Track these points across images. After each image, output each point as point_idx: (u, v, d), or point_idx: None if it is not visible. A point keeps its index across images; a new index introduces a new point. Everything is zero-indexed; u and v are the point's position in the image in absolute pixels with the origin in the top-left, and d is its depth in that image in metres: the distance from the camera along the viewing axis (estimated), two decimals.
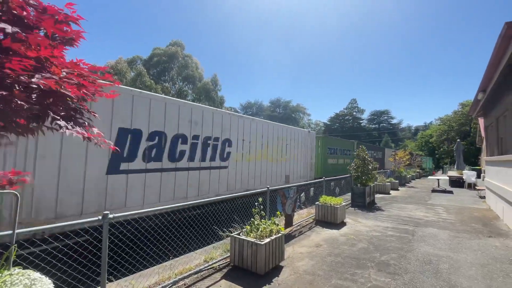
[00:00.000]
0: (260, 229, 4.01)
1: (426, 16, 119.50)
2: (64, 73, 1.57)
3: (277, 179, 10.54)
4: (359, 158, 9.65)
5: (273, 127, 10.52)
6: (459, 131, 41.75)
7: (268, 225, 4.13)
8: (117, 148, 2.34)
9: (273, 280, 3.63)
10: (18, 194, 2.02)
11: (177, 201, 6.20)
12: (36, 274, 1.91)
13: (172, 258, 4.16)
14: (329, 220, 6.62)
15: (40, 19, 1.51)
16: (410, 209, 8.80)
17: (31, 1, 1.59)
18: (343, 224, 6.63)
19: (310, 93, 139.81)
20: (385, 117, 79.13)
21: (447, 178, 18.12)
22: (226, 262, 4.11)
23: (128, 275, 3.54)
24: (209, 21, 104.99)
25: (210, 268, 3.91)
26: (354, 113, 78.08)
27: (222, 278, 3.67)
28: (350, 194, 9.54)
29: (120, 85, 5.18)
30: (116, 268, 3.54)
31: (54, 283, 2.02)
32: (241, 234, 4.05)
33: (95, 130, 1.82)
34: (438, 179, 15.88)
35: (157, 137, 6.07)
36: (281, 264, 4.12)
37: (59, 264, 2.91)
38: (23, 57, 1.40)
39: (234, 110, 61.56)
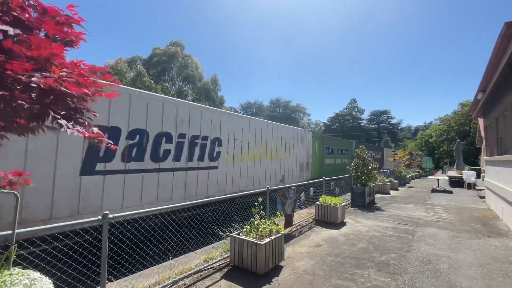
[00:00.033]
0: (260, 229, 4.02)
1: (426, 16, 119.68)
2: (64, 73, 1.57)
3: (272, 180, 10.24)
4: (358, 158, 9.65)
5: (267, 126, 10.23)
6: (458, 131, 41.78)
7: (268, 225, 4.14)
8: (117, 147, 2.34)
9: (273, 280, 3.63)
10: (18, 194, 2.02)
11: (160, 204, 5.82)
12: (36, 274, 1.91)
13: (172, 258, 4.17)
14: (329, 220, 6.62)
15: (41, 21, 1.52)
16: (410, 209, 8.80)
17: (31, 1, 1.59)
18: (343, 224, 6.63)
19: (310, 93, 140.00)
20: (385, 117, 79.20)
21: (447, 178, 18.14)
22: (226, 262, 4.11)
23: (128, 275, 3.54)
24: (209, 21, 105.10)
25: (210, 268, 3.92)
26: (354, 113, 78.13)
27: (222, 278, 3.67)
28: (350, 194, 9.54)
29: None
30: (116, 268, 3.54)
31: (54, 283, 2.02)
32: (241, 234, 4.06)
33: (95, 129, 1.82)
34: (437, 179, 15.89)
35: (138, 136, 5.72)
36: (281, 264, 4.13)
37: (59, 264, 2.91)
38: (24, 58, 1.40)
39: (234, 110, 61.60)
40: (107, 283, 2.81)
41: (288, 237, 5.40)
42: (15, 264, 2.02)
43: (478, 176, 16.80)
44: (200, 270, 3.80)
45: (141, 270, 3.77)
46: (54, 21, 1.54)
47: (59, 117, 1.58)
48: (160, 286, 3.28)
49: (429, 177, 24.40)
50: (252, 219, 4.18)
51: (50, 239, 2.84)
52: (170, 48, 39.23)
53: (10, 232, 2.08)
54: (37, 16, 1.55)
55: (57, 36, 1.62)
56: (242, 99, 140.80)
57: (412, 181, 20.01)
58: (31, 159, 4.22)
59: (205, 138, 7.36)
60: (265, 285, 3.48)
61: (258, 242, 3.73)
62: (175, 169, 6.45)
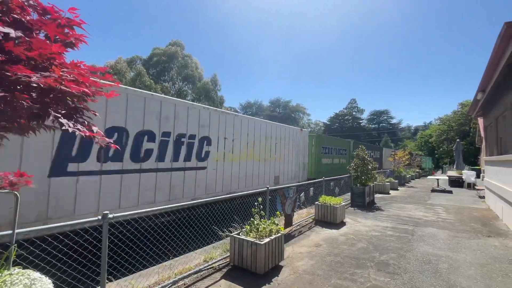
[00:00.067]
0: (259, 229, 4.02)
1: (426, 16, 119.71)
2: (64, 72, 1.57)
3: (266, 181, 9.82)
4: (358, 158, 9.66)
5: (261, 124, 9.83)
6: (458, 131, 41.82)
7: (268, 225, 4.14)
8: (117, 146, 2.34)
9: (272, 279, 3.64)
10: (18, 194, 2.02)
11: (141, 207, 5.49)
12: (36, 274, 1.91)
13: (171, 258, 4.17)
14: (328, 220, 6.63)
15: (42, 23, 1.52)
16: (410, 209, 8.81)
17: (30, 2, 1.59)
18: (342, 224, 6.64)
19: (310, 93, 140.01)
20: (385, 117, 79.25)
21: (447, 178, 18.16)
22: (225, 262, 4.12)
23: (128, 275, 3.54)
24: (209, 21, 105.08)
25: (210, 268, 3.92)
26: (354, 113, 78.18)
27: (221, 278, 3.67)
28: (349, 194, 9.55)
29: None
30: (116, 268, 3.54)
31: (54, 283, 2.02)
32: (240, 234, 4.06)
33: (95, 129, 1.83)
34: (437, 179, 15.91)
35: (116, 134, 5.34)
36: (281, 264, 4.13)
37: (59, 264, 2.92)
38: (25, 58, 1.41)
39: (234, 110, 61.62)
40: (107, 283, 2.81)
41: (288, 237, 5.40)
42: (15, 264, 2.02)
43: (478, 176, 16.83)
44: (200, 270, 3.80)
45: (141, 270, 3.77)
46: (55, 24, 1.54)
47: (60, 116, 1.59)
48: (160, 286, 3.28)
49: (428, 177, 24.45)
50: (252, 219, 4.18)
51: (50, 239, 2.83)
52: (170, 48, 39.23)
53: (10, 232, 2.08)
54: (38, 18, 1.55)
55: (57, 37, 1.62)
56: (242, 99, 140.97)
57: (411, 181, 20.02)
58: None
59: (192, 136, 6.93)
60: (265, 285, 3.48)
61: (258, 242, 3.74)
62: (158, 170, 6.04)
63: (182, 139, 6.67)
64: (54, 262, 2.89)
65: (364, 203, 8.94)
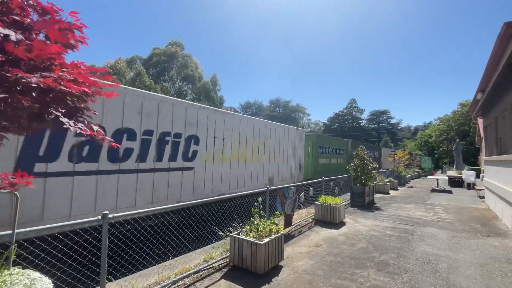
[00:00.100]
0: (259, 228, 4.02)
1: (426, 16, 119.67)
2: (64, 72, 1.57)
3: (259, 182, 9.42)
4: (358, 158, 9.67)
5: (254, 123, 9.41)
6: (458, 131, 41.84)
7: (268, 224, 4.14)
8: (118, 145, 2.34)
9: (272, 279, 3.64)
10: (18, 194, 2.02)
11: (119, 211, 4.93)
12: (36, 274, 1.92)
13: (171, 258, 4.17)
14: (328, 220, 6.63)
15: (44, 25, 1.53)
16: (409, 209, 8.82)
17: (30, 2, 1.60)
18: (342, 224, 6.64)
19: (310, 93, 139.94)
20: (385, 117, 79.26)
21: (446, 178, 18.17)
22: (225, 262, 4.12)
23: (127, 275, 3.54)
24: (209, 21, 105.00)
25: (210, 268, 3.92)
26: (354, 113, 78.20)
27: (221, 277, 3.68)
28: (349, 193, 9.56)
29: None
30: (116, 268, 3.54)
31: (53, 282, 2.02)
32: (240, 234, 4.06)
33: (96, 128, 1.84)
34: (437, 179, 15.92)
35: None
36: (281, 263, 4.13)
37: (58, 264, 2.92)
38: (25, 59, 1.41)
39: (234, 110, 61.63)
40: (106, 283, 2.82)
41: (288, 237, 5.41)
42: (15, 264, 2.02)
43: (477, 176, 16.83)
44: (200, 270, 3.80)
45: (141, 270, 3.77)
46: (57, 27, 1.55)
47: (60, 115, 1.59)
48: (160, 286, 3.29)
49: (428, 177, 24.44)
50: (251, 219, 4.18)
51: (50, 239, 2.84)
52: (169, 48, 39.23)
53: (10, 232, 2.08)
54: (39, 19, 1.56)
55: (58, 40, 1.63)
56: (242, 99, 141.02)
57: (411, 181, 20.04)
58: None
59: (178, 135, 6.51)
60: (264, 285, 3.49)
61: (258, 242, 3.74)
62: (139, 171, 5.65)
63: (167, 138, 6.26)
64: (54, 262, 2.89)
65: (364, 203, 8.95)
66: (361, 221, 7.00)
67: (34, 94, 1.46)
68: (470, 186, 15.32)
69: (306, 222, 6.63)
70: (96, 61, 53.50)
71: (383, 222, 6.89)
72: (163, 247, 4.43)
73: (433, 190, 13.97)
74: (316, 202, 6.96)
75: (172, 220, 5.42)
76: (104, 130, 5.13)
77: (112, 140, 1.99)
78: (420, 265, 4.24)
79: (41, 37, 1.66)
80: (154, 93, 6.37)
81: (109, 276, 3.23)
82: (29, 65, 1.50)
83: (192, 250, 4.52)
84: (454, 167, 18.42)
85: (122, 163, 5.39)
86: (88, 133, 1.74)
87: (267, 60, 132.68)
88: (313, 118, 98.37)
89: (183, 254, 4.39)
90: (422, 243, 5.27)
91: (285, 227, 5.82)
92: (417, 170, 25.15)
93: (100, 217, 2.73)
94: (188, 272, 3.65)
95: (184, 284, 3.47)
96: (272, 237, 3.93)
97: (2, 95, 1.34)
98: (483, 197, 11.35)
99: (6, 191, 1.89)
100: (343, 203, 7.08)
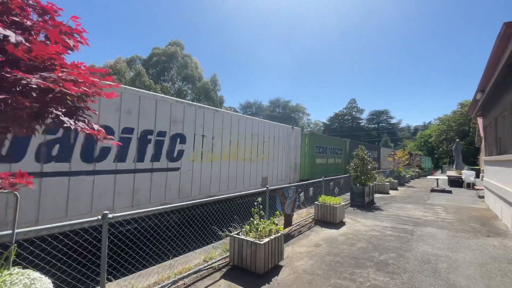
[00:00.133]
0: (259, 228, 4.03)
1: (426, 16, 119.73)
2: (64, 73, 1.58)
3: (251, 182, 9.08)
4: (358, 157, 9.68)
5: (246, 121, 9.03)
6: (458, 131, 41.87)
7: (268, 224, 4.14)
8: (120, 143, 2.34)
9: (272, 279, 3.64)
10: (17, 194, 2.02)
11: (95, 215, 4.32)
12: (36, 274, 1.92)
13: (171, 258, 4.17)
14: (328, 219, 6.63)
15: (45, 28, 1.54)
16: (409, 209, 8.82)
17: (30, 1, 1.60)
18: (342, 223, 6.65)
19: (310, 93, 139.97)
20: (385, 117, 79.31)
21: (446, 178, 18.17)
22: (225, 262, 4.12)
23: (127, 275, 3.54)
24: (209, 21, 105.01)
25: (210, 268, 3.92)
26: (354, 113, 78.26)
27: (221, 277, 3.68)
28: (349, 193, 9.56)
29: None
30: (116, 268, 3.54)
31: (53, 282, 2.02)
32: (240, 234, 4.06)
33: (96, 126, 1.85)
34: (437, 179, 15.93)
35: (61, 129, 4.55)
36: (280, 263, 4.14)
37: (58, 264, 2.92)
38: (25, 60, 1.41)
39: (234, 109, 61.62)
40: (106, 283, 2.82)
41: (288, 237, 5.41)
42: (15, 264, 2.02)
43: (477, 176, 16.85)
44: (200, 270, 3.80)
45: (140, 270, 3.78)
46: (58, 30, 1.56)
47: (60, 114, 1.59)
48: (159, 285, 3.29)
49: (428, 177, 24.44)
50: (251, 218, 4.19)
51: (50, 239, 2.84)
52: (169, 48, 39.23)
53: (9, 232, 2.08)
54: (39, 21, 1.57)
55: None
56: (242, 99, 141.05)
57: (411, 181, 20.05)
58: None
59: (162, 134, 6.15)
60: (264, 285, 3.49)
61: (258, 241, 3.74)
62: (117, 172, 5.29)
63: (149, 136, 5.89)
64: (54, 262, 2.89)
65: (363, 203, 8.95)
66: (361, 221, 7.00)
67: (34, 94, 1.47)
68: (470, 186, 15.33)
69: (306, 222, 6.63)
70: (96, 61, 53.52)
71: (383, 222, 6.89)
72: (163, 247, 4.43)
73: (432, 190, 13.98)
74: (316, 202, 6.96)
75: (172, 220, 5.42)
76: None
77: (113, 138, 1.99)
78: (420, 265, 4.24)
79: (42, 37, 1.66)
80: (134, 88, 5.88)
81: (109, 276, 3.23)
82: (29, 65, 1.50)
83: (192, 250, 4.52)
84: (454, 167, 18.43)
85: (98, 163, 5.01)
86: (88, 131, 1.75)
87: (267, 60, 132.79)
88: (313, 118, 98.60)
89: (183, 254, 4.39)
90: (422, 243, 5.28)
91: (285, 227, 5.83)
92: (416, 170, 25.17)
93: (100, 217, 2.73)
94: (188, 272, 3.65)
95: (184, 284, 3.47)
96: (272, 237, 3.93)
97: (2, 96, 1.34)
98: (482, 197, 11.36)
99: (6, 191, 1.89)
100: (343, 203, 7.08)
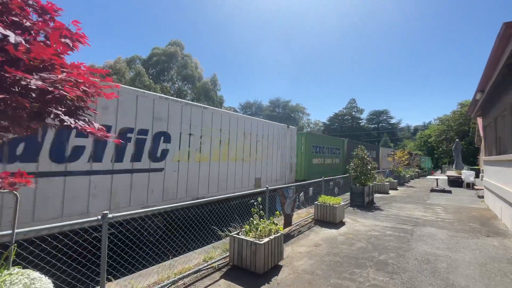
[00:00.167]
0: (259, 228, 4.03)
1: (426, 16, 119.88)
2: (64, 75, 1.58)
3: (244, 183, 8.72)
4: (358, 157, 9.69)
5: (238, 119, 8.64)
6: (457, 131, 41.90)
7: (267, 224, 4.14)
8: (121, 141, 2.34)
9: (272, 279, 3.64)
10: (17, 194, 2.02)
11: (66, 219, 4.42)
12: (36, 274, 1.92)
13: (171, 258, 4.17)
14: (328, 219, 6.64)
15: (46, 30, 1.54)
16: (409, 209, 8.83)
17: (30, 1, 1.60)
18: (342, 223, 6.65)
19: (310, 93, 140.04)
20: (384, 117, 79.44)
21: (446, 177, 18.18)
22: (225, 262, 4.12)
23: (127, 275, 3.54)
24: (209, 21, 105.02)
25: (209, 268, 3.92)
26: (353, 113, 78.33)
27: (221, 277, 3.68)
28: (349, 193, 9.57)
29: None
30: (116, 268, 3.54)
31: (53, 282, 2.02)
32: (240, 234, 4.06)
33: (97, 125, 1.85)
34: (436, 179, 15.93)
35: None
36: (280, 263, 4.14)
37: (58, 264, 2.92)
38: (25, 60, 1.41)
39: (234, 109, 61.58)
40: (106, 282, 2.82)
41: (288, 237, 5.41)
42: (15, 263, 2.02)
43: (477, 176, 16.85)
44: (200, 270, 3.80)
45: (140, 270, 3.78)
46: (58, 33, 1.57)
47: (60, 113, 1.60)
48: (159, 285, 3.29)
49: (428, 177, 24.45)
50: (251, 218, 4.19)
51: (49, 239, 2.84)
52: (169, 48, 39.21)
53: (9, 232, 2.08)
54: (40, 22, 1.57)
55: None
56: (242, 99, 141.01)
57: (411, 180, 20.06)
58: None
59: (143, 132, 5.78)
60: (264, 285, 3.49)
61: (258, 241, 3.74)
62: (92, 172, 4.93)
63: (129, 135, 5.50)
64: (54, 262, 2.89)
65: (363, 203, 8.95)
66: (360, 221, 7.00)
67: (33, 95, 1.47)
68: (470, 186, 15.34)
69: (306, 222, 6.63)
70: (96, 61, 53.47)
71: (383, 222, 6.89)
72: (163, 247, 4.43)
73: (432, 190, 13.99)
74: (315, 202, 6.97)
75: (172, 220, 5.42)
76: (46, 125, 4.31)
77: (114, 135, 1.99)
78: (420, 264, 4.24)
79: (42, 36, 1.66)
80: (112, 83, 5.57)
81: (109, 276, 3.23)
82: (29, 65, 1.50)
83: (192, 250, 4.52)
84: (454, 167, 18.45)
85: (70, 163, 4.61)
86: (89, 130, 1.75)
87: (267, 60, 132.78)
88: (313, 118, 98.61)
89: (183, 254, 4.40)
90: (422, 243, 5.28)
91: (284, 227, 5.83)
92: (416, 170, 25.18)
93: (99, 217, 2.73)
94: (188, 272, 3.65)
95: (184, 284, 3.47)
96: (271, 237, 3.93)
97: (2, 96, 1.34)
98: (482, 197, 11.36)
99: (6, 191, 1.89)
100: (343, 203, 7.09)
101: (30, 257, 2.69)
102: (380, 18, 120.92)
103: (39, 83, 1.39)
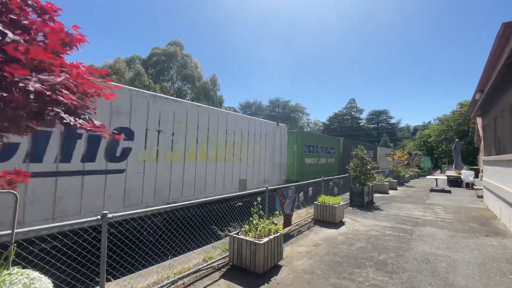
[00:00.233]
0: (259, 228, 4.03)
1: (426, 16, 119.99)
2: (63, 77, 1.58)
3: (226, 185, 8.05)
4: (357, 157, 9.70)
5: (219, 116, 7.90)
6: (457, 130, 41.93)
7: (267, 224, 4.15)
8: (123, 136, 2.34)
9: (271, 279, 3.64)
10: (17, 194, 2.03)
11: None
12: (35, 274, 1.92)
13: (171, 258, 4.17)
14: (327, 219, 6.64)
15: (44, 30, 1.55)
16: (409, 209, 8.84)
17: (29, 1, 1.60)
18: (341, 223, 6.65)
19: (310, 93, 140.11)
20: (384, 117, 79.52)
21: (445, 177, 18.20)
22: (225, 262, 4.12)
23: (127, 275, 3.55)
24: (209, 21, 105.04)
25: (209, 268, 3.92)
26: (353, 112, 78.38)
27: (220, 277, 3.68)
28: (348, 193, 9.57)
29: None
30: (115, 268, 3.54)
31: (53, 282, 2.03)
32: (240, 234, 4.07)
33: (97, 123, 1.85)
34: (436, 179, 15.94)
35: None
36: (280, 263, 4.14)
37: (58, 264, 2.92)
38: (23, 60, 1.42)
39: (234, 109, 61.56)
40: (106, 282, 2.82)
41: (287, 237, 5.41)
42: (14, 263, 2.02)
43: (476, 176, 16.88)
44: (199, 270, 3.81)
45: (140, 269, 3.78)
46: (57, 36, 1.57)
47: (60, 111, 1.60)
48: (159, 285, 3.29)
49: (427, 176, 24.46)
50: (251, 218, 4.19)
51: (49, 239, 2.84)
52: (169, 48, 39.20)
53: (9, 231, 2.08)
54: (39, 22, 1.57)
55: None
56: (242, 99, 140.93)
57: (410, 180, 20.08)
58: None
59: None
60: (263, 285, 3.49)
61: (257, 241, 3.74)
62: (30, 175, 4.04)
63: (79, 130, 4.77)
64: (54, 261, 2.89)
65: (363, 202, 8.96)
66: (360, 220, 7.01)
67: (32, 96, 1.47)
68: (469, 186, 15.36)
69: (305, 222, 6.64)
70: (96, 61, 53.40)
71: (382, 222, 6.90)
72: (163, 247, 4.43)
73: (432, 190, 14.00)
74: (315, 202, 6.97)
75: (171, 220, 5.42)
76: None
77: (116, 132, 1.99)
78: (419, 264, 4.25)
79: (41, 36, 1.66)
80: None
81: (109, 276, 3.23)
82: (28, 65, 1.50)
83: (191, 250, 4.52)
84: (453, 167, 18.47)
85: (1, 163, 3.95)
86: (89, 128, 1.75)
87: (267, 60, 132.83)
88: (313, 118, 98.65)
89: (182, 254, 4.40)
90: (421, 243, 5.29)
91: (284, 227, 5.83)
92: (416, 170, 25.20)
93: (99, 217, 2.73)
94: (187, 272, 3.65)
95: (183, 284, 3.47)
96: (271, 237, 3.93)
97: (1, 93, 1.34)
98: (482, 197, 11.37)
99: (5, 190, 1.89)
100: (342, 203, 7.09)
101: (30, 257, 2.69)
102: (380, 18, 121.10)
103: (37, 85, 1.39)
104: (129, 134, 5.61)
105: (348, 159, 10.93)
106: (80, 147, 4.86)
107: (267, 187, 5.33)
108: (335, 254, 4.61)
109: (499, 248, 5.11)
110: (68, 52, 1.69)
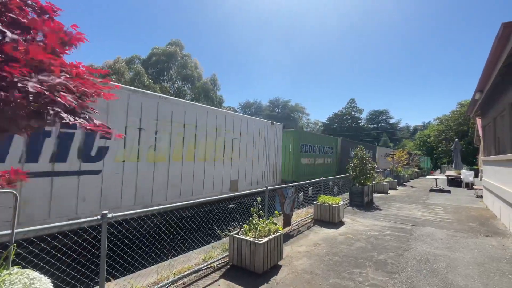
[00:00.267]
0: (258, 228, 4.03)
1: (426, 16, 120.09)
2: (63, 78, 1.58)
3: (215, 187, 7.68)
4: (357, 157, 9.71)
5: (208, 113, 7.48)
6: (457, 130, 41.95)
7: (267, 224, 4.15)
8: (123, 135, 2.33)
9: (271, 279, 3.65)
10: (17, 194, 2.03)
11: None
12: (35, 273, 1.92)
13: (170, 258, 4.18)
14: (327, 219, 6.64)
15: (44, 31, 1.55)
16: (408, 209, 8.84)
17: (29, 1, 1.60)
18: (341, 223, 6.66)
19: (310, 93, 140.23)
20: (384, 117, 79.55)
21: (445, 177, 18.21)
22: (224, 262, 4.13)
23: (127, 275, 3.55)
24: (209, 21, 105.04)
25: (209, 268, 3.93)
26: (353, 112, 78.40)
27: (220, 277, 3.68)
28: (348, 193, 9.58)
29: None
30: (115, 268, 3.54)
31: (53, 282, 2.03)
32: (239, 234, 4.07)
33: (98, 122, 1.85)
34: (436, 179, 15.95)
35: None
36: (280, 263, 4.14)
37: (58, 264, 2.92)
38: (22, 60, 1.42)
39: (233, 109, 61.54)
40: (106, 282, 2.82)
41: (287, 237, 5.42)
42: (14, 263, 2.02)
43: (476, 176, 16.88)
44: (199, 270, 3.81)
45: (140, 269, 3.78)
46: (57, 36, 1.58)
47: (60, 110, 1.60)
48: (158, 285, 3.29)
49: (427, 176, 24.48)
50: (250, 218, 4.19)
51: (49, 239, 2.84)
52: (169, 48, 39.18)
53: (9, 231, 2.08)
54: (39, 20, 1.57)
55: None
56: (242, 99, 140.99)
57: (410, 180, 20.09)
58: None
59: (70, 125, 4.11)
60: (263, 284, 3.49)
61: (257, 241, 3.75)
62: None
63: (47, 128, 4.46)
64: (53, 261, 2.89)
65: (362, 202, 8.97)
66: (360, 220, 7.01)
67: (31, 98, 1.47)
68: (469, 185, 15.37)
69: (305, 222, 6.64)
70: (95, 61, 53.41)
71: (382, 222, 6.91)
72: (162, 247, 4.43)
73: (431, 190, 14.01)
74: (315, 202, 6.97)
75: (171, 220, 5.42)
76: None
77: (116, 131, 1.99)
78: (419, 264, 4.25)
79: (40, 36, 1.66)
80: None
81: (108, 276, 3.23)
82: (28, 65, 1.50)
83: (191, 250, 4.52)
84: (453, 167, 18.48)
85: None
86: (88, 127, 1.75)
87: (267, 60, 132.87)
88: (313, 118, 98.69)
89: (182, 254, 4.40)
90: (421, 243, 5.29)
91: (284, 227, 5.83)
92: (416, 170, 25.23)
93: (99, 216, 2.73)
94: (187, 272, 3.65)
95: (183, 284, 3.47)
96: (271, 237, 3.93)
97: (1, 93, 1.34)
98: (481, 196, 11.38)
99: (5, 190, 1.89)
100: (342, 203, 7.09)
101: (30, 257, 2.69)
102: (380, 18, 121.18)
103: (37, 86, 1.39)
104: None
105: (348, 159, 10.90)
106: (49, 145, 4.50)
107: (267, 187, 5.34)
108: (335, 254, 4.61)
109: (499, 248, 5.12)
110: (67, 51, 1.69)
